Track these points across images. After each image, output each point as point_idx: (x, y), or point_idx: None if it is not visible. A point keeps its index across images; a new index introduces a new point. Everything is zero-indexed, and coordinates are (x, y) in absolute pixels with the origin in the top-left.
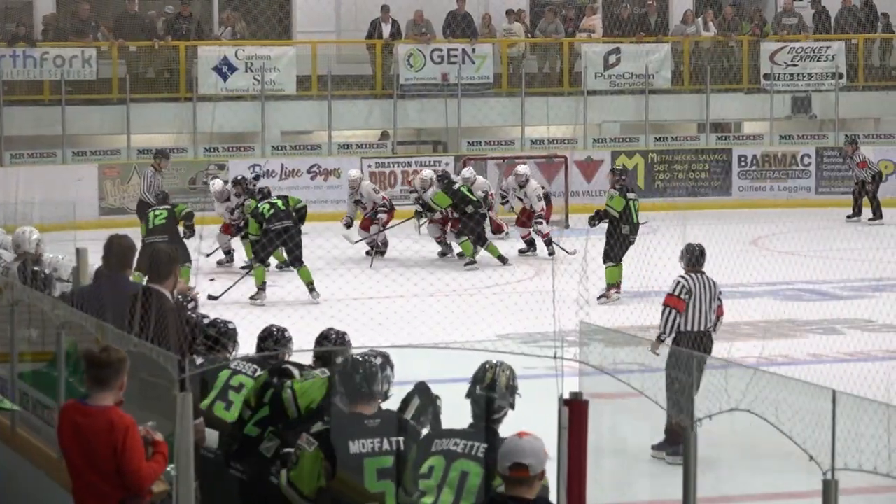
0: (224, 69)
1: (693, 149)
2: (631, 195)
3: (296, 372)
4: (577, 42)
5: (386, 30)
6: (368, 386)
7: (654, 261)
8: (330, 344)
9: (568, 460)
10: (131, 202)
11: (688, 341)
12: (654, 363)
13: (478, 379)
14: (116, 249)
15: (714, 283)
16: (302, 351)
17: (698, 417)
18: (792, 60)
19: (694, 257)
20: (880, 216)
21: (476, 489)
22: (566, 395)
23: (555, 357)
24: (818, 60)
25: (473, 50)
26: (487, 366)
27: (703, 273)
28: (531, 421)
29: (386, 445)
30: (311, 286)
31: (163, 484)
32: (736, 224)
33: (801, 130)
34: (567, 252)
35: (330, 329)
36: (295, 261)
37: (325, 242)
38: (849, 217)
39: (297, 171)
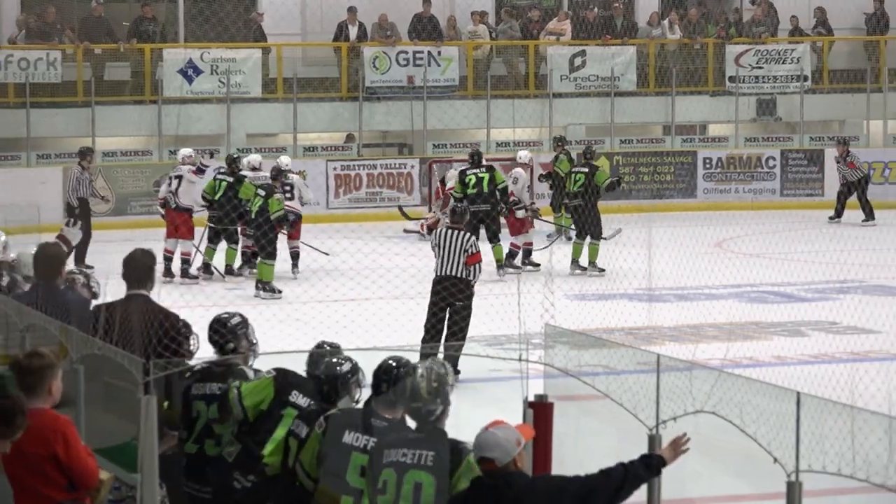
0: (189, 72)
1: (658, 151)
2: (577, 168)
3: (250, 374)
4: (543, 44)
5: (352, 32)
6: (397, 391)
7: (619, 263)
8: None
9: (533, 462)
10: (96, 204)
11: None
12: (618, 365)
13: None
14: (43, 258)
15: None
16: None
17: (663, 419)
18: (757, 63)
19: None
20: (873, 217)
21: (432, 500)
22: (531, 398)
23: (520, 359)
24: (783, 63)
25: (439, 52)
26: (407, 373)
27: None
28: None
29: (371, 446)
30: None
31: (104, 473)
32: (701, 226)
33: (766, 133)
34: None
35: (323, 342)
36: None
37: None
38: (831, 218)
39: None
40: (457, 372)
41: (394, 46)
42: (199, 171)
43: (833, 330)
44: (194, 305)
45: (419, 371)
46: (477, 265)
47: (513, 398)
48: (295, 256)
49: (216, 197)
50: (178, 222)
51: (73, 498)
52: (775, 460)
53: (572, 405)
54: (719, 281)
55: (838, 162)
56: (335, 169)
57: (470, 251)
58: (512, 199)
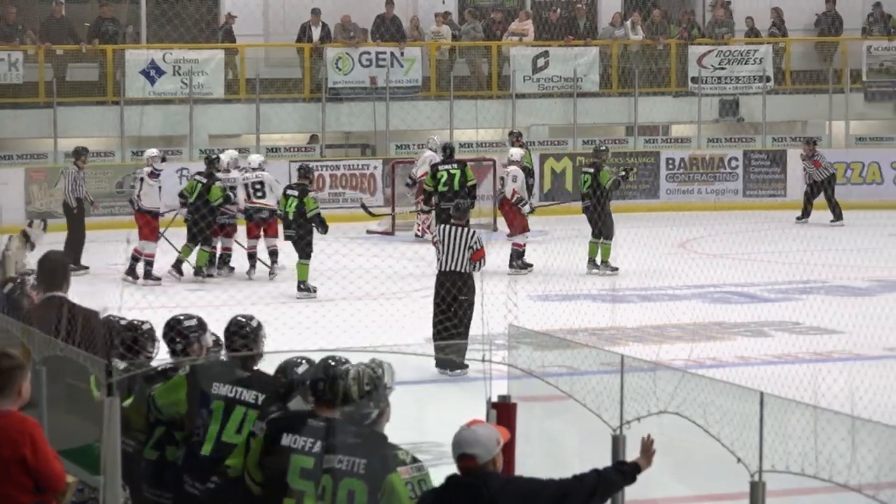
0: (151, 73)
1: (621, 152)
2: (585, 169)
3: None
4: (506, 45)
5: (315, 33)
6: (332, 391)
7: (583, 264)
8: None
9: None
10: (59, 206)
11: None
12: (582, 366)
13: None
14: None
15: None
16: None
17: (627, 420)
18: (720, 64)
19: None
20: (841, 217)
21: None
22: (494, 398)
23: (483, 360)
24: (746, 64)
25: (402, 53)
26: (339, 375)
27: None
28: (459, 425)
29: (317, 448)
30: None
31: (69, 476)
32: (664, 227)
33: (728, 133)
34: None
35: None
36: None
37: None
38: (798, 219)
39: None
40: (465, 366)
41: (357, 47)
42: (153, 174)
43: (796, 330)
44: (157, 306)
45: (350, 373)
46: (482, 260)
47: (476, 399)
48: (274, 255)
49: (192, 198)
50: (140, 224)
51: (39, 500)
52: (739, 460)
53: (536, 406)
54: (683, 281)
55: (804, 160)
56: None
57: (475, 247)
58: (516, 196)
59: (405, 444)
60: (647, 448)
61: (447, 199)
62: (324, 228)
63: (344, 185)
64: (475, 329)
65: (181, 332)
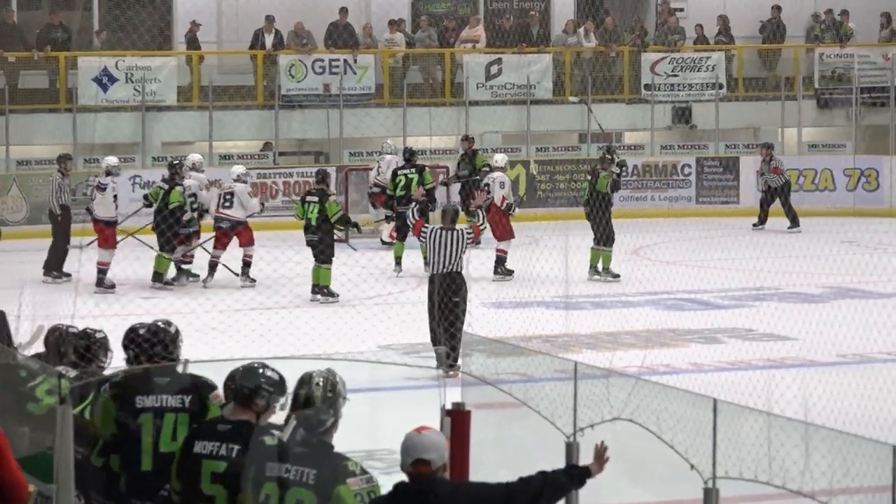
0: (104, 80)
1: (574, 159)
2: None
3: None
4: (459, 52)
5: (269, 40)
6: (250, 391)
7: (536, 270)
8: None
9: (450, 471)
10: (11, 213)
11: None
12: (536, 373)
13: (297, 396)
14: None
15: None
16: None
17: (580, 427)
18: (672, 71)
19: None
20: (797, 224)
21: None
22: (448, 406)
23: (437, 367)
24: (698, 71)
25: (355, 60)
26: (302, 380)
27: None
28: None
29: (223, 451)
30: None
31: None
32: (617, 234)
33: (681, 140)
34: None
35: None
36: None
37: (206, 253)
38: (755, 225)
39: None
40: (456, 366)
41: (310, 54)
42: (100, 187)
43: (749, 337)
44: (109, 315)
45: (315, 379)
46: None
47: (430, 406)
48: (247, 265)
49: (155, 203)
50: (96, 232)
51: None
52: (692, 467)
53: (490, 413)
54: (636, 288)
55: (763, 164)
56: (251, 177)
57: (468, 240)
58: (506, 202)
59: (358, 452)
60: (601, 455)
61: (402, 203)
62: (355, 227)
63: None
64: (428, 336)
65: (134, 340)
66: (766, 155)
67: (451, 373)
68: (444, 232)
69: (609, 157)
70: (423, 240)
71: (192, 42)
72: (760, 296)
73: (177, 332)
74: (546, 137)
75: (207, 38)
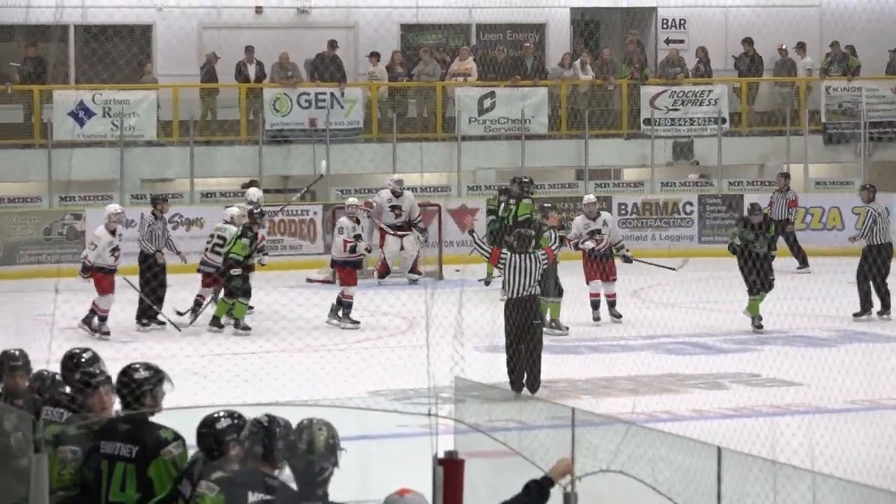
0: (80, 114)
1: (571, 196)
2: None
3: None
4: (451, 86)
5: (251, 72)
6: (280, 447)
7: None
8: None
9: None
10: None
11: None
12: (530, 420)
13: (295, 440)
14: None
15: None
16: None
17: (578, 476)
18: (673, 105)
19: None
20: (807, 264)
21: None
22: (441, 454)
23: (429, 414)
24: (700, 105)
25: (342, 94)
26: (304, 425)
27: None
28: (404, 482)
29: None
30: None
31: None
32: (616, 274)
33: (682, 177)
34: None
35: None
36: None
37: (189, 296)
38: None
39: None
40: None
41: (295, 88)
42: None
43: (754, 382)
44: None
45: (316, 423)
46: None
47: (421, 455)
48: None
49: (226, 247)
50: (95, 278)
51: None
52: None
53: (484, 462)
54: (635, 332)
55: (776, 194)
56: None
57: (544, 262)
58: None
59: (349, 502)
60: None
61: (508, 229)
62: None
63: (283, 231)
64: (420, 382)
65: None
66: (784, 185)
67: (531, 394)
68: (521, 256)
69: (526, 181)
70: (502, 266)
71: (209, 74)
72: (765, 339)
73: (147, 376)
74: (541, 174)
75: (188, 71)
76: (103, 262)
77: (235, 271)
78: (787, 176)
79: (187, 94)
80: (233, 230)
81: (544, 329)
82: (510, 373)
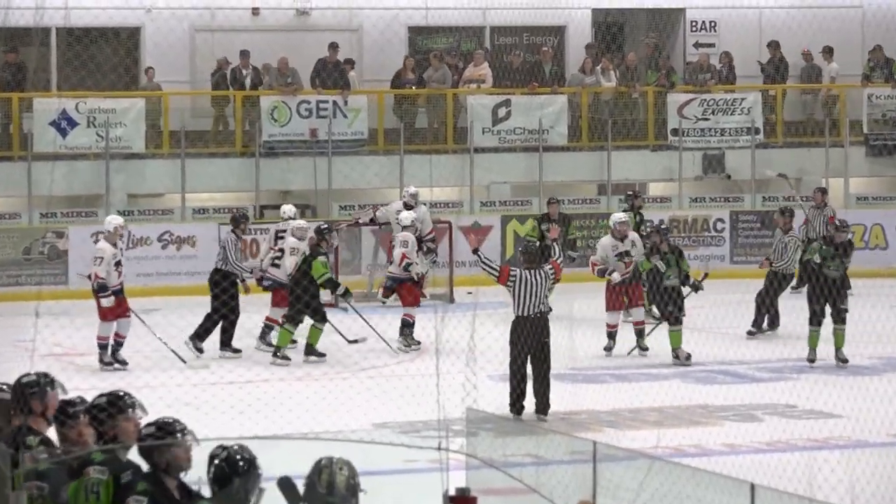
0: (63, 124)
1: (593, 213)
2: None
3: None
4: (462, 93)
5: (247, 79)
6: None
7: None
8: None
9: None
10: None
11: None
12: (548, 454)
13: (314, 480)
14: None
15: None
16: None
17: None
18: (703, 114)
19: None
20: (849, 286)
21: None
22: (452, 492)
23: (439, 448)
24: (732, 114)
25: (345, 102)
26: (323, 464)
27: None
28: None
29: None
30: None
31: None
32: (644, 299)
33: (713, 192)
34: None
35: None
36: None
37: (178, 320)
38: (794, 288)
39: (147, 240)
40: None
41: (294, 95)
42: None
43: (790, 414)
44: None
45: (336, 463)
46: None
47: (431, 493)
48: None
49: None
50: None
51: None
52: None
53: (498, 500)
54: (661, 359)
55: (812, 211)
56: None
57: (552, 276)
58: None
59: None
60: None
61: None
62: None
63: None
64: (429, 414)
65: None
66: (821, 201)
67: (542, 416)
68: (530, 272)
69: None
70: (511, 285)
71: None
72: (802, 367)
73: (117, 409)
74: (561, 189)
75: (179, 78)
76: (109, 279)
77: (341, 290)
78: (824, 191)
79: (178, 103)
80: (292, 242)
81: None
82: (514, 395)
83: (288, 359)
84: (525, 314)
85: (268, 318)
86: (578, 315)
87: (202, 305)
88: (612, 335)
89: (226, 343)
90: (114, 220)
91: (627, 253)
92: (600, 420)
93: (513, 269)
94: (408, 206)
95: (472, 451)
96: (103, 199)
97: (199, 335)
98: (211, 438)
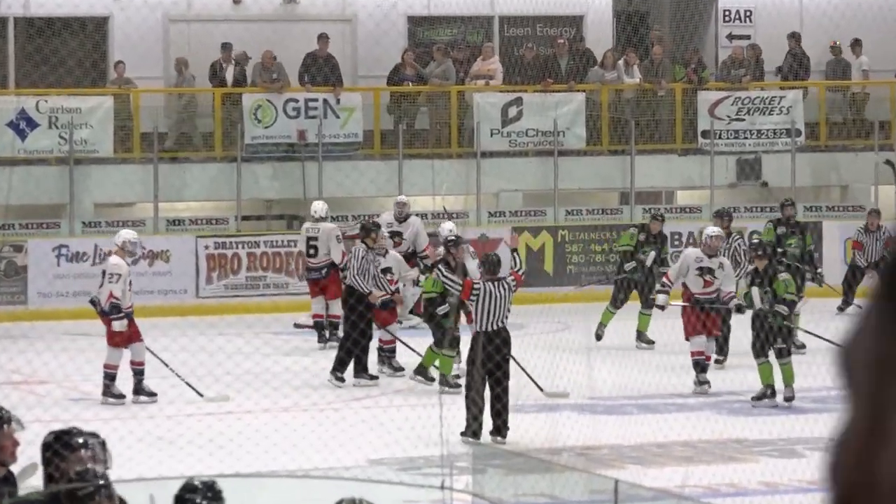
0: (22, 125)
1: (614, 224)
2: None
3: None
4: (469, 91)
5: (228, 75)
6: None
7: (565, 365)
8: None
9: None
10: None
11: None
12: (564, 494)
13: None
14: None
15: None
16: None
17: None
18: (737, 114)
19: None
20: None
21: None
22: None
23: (442, 487)
24: (770, 114)
25: (338, 101)
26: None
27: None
28: None
29: None
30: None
31: None
32: (668, 318)
33: (749, 201)
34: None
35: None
36: None
37: (152, 343)
38: (840, 309)
39: None
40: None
41: (281, 93)
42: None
43: None
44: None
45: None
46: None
47: None
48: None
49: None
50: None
51: None
52: None
53: None
54: (692, 388)
55: (864, 235)
56: (207, 247)
57: (513, 287)
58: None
59: None
60: None
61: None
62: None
63: (265, 266)
64: (431, 449)
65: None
66: (874, 224)
67: (500, 439)
68: (493, 284)
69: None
70: (473, 300)
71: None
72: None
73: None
74: (578, 198)
75: (151, 74)
76: (123, 300)
77: (442, 309)
78: (878, 213)
79: (151, 101)
80: (328, 226)
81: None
82: (470, 416)
83: (433, 379)
84: (486, 329)
85: (381, 341)
86: (606, 340)
87: (177, 328)
88: (700, 364)
89: (363, 369)
90: (124, 234)
91: (710, 270)
92: (623, 455)
93: (475, 282)
94: (397, 218)
95: (479, 491)
96: (67, 210)
97: (337, 367)
98: (186, 477)
